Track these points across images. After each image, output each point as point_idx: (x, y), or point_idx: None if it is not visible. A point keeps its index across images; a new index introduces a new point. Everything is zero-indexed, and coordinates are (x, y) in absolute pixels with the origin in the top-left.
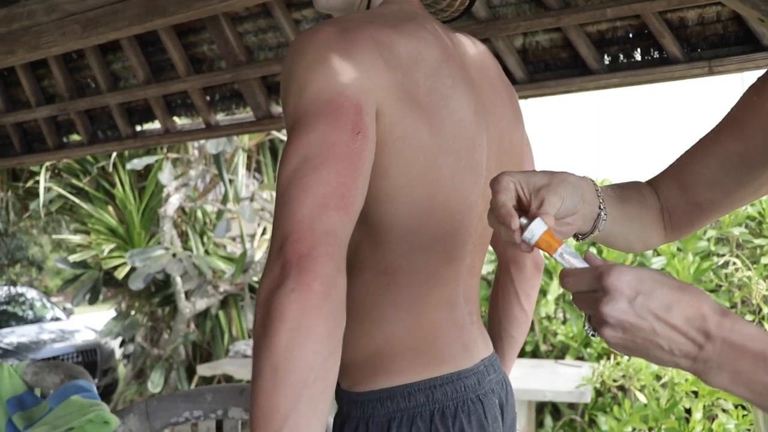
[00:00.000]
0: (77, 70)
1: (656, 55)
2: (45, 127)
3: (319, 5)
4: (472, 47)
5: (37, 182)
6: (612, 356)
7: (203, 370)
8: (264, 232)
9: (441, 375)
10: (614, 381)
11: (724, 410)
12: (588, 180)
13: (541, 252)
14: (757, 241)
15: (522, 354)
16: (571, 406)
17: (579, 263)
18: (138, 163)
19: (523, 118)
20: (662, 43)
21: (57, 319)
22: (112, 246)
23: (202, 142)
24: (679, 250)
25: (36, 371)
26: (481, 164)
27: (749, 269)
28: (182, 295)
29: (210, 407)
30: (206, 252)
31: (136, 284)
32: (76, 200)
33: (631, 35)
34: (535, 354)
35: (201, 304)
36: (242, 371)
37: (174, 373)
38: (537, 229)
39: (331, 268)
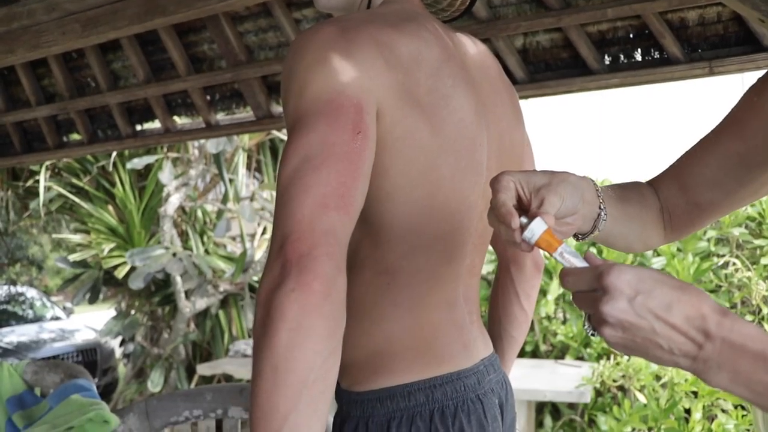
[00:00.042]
0: (77, 70)
1: (657, 55)
2: (45, 126)
3: (320, 5)
4: (472, 47)
5: (37, 181)
6: (612, 356)
7: (203, 369)
8: (264, 232)
9: (441, 375)
10: (614, 381)
11: (723, 410)
12: (588, 180)
13: (541, 252)
14: (757, 242)
15: (522, 354)
16: (571, 406)
17: (579, 263)
18: (138, 163)
19: (523, 118)
20: (663, 44)
21: (57, 318)
22: (112, 245)
23: (203, 141)
24: (679, 250)
25: (36, 370)
26: (482, 164)
27: (749, 270)
28: (182, 295)
29: (210, 406)
30: (206, 251)
31: (136, 284)
32: (76, 199)
33: (631, 35)
34: (535, 354)
35: (201, 303)
36: (242, 371)
37: (174, 372)
38: (537, 228)
39: (331, 267)
